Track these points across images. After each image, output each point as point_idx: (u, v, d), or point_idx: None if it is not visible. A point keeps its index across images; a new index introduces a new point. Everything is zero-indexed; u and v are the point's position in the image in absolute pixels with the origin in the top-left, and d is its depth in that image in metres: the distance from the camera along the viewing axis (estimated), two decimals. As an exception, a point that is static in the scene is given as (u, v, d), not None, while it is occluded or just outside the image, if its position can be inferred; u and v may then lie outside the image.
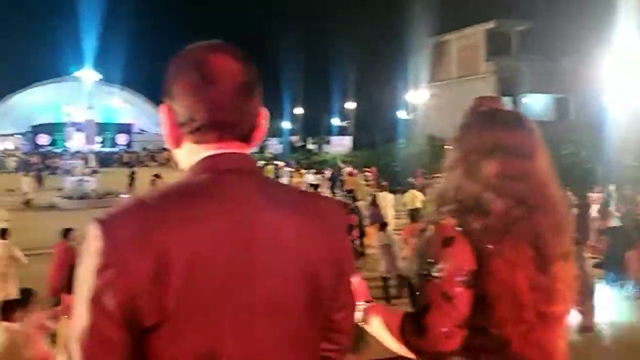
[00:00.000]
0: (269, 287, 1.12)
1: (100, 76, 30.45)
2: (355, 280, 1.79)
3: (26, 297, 6.39)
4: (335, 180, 28.27)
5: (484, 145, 1.70)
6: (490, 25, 34.71)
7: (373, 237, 12.15)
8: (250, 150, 1.27)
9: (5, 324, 5.62)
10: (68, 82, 48.98)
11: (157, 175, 25.49)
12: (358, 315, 1.78)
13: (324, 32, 56.48)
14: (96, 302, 1.01)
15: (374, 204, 15.97)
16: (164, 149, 57.86)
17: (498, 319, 1.61)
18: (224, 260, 1.08)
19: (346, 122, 50.35)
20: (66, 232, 9.34)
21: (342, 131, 50.62)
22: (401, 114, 42.22)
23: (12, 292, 8.55)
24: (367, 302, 1.84)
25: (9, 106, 56.33)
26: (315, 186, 27.54)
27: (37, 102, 56.28)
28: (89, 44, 36.14)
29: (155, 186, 24.67)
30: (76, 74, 29.45)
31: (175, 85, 1.20)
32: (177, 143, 1.24)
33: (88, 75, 28.88)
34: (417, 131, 36.50)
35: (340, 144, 44.83)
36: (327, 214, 1.26)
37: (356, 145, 42.85)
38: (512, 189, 1.64)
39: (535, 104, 33.61)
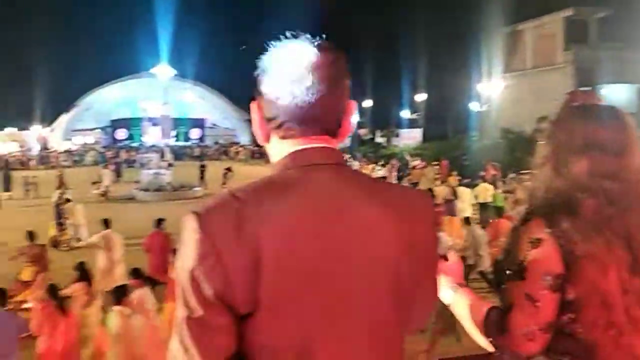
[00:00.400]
0: (358, 279, 1.14)
1: (175, 72, 31.36)
2: (452, 261, 1.84)
3: (139, 276, 7.08)
4: (402, 173, 27.99)
5: (575, 141, 1.66)
6: (568, 12, 33.24)
7: (448, 230, 12.02)
8: (339, 143, 1.27)
9: (118, 307, 5.99)
10: (145, 78, 50.79)
11: (228, 169, 26.33)
12: (448, 296, 1.80)
13: (394, 21, 55.84)
14: (195, 290, 1.07)
15: (450, 197, 15.80)
16: (234, 143, 59.33)
17: (586, 322, 1.56)
18: (313, 253, 1.10)
19: (416, 114, 49.65)
20: (159, 222, 10.00)
21: (411, 124, 49.91)
22: (473, 106, 41.14)
23: (120, 277, 9.24)
24: (459, 284, 1.83)
25: (89, 102, 59.09)
26: (382, 178, 27.44)
27: (115, 97, 58.83)
28: (165, 40, 37.43)
29: (227, 179, 25.36)
30: (152, 70, 30.45)
31: (262, 83, 1.23)
32: (267, 138, 1.28)
33: (164, 71, 29.83)
34: (490, 123, 35.51)
35: (410, 137, 44.17)
36: (415, 206, 1.27)
37: (426, 138, 42.18)
38: (604, 188, 1.60)
39: (616, 95, 31.92)
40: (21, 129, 56.58)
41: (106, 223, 10.20)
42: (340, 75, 1.23)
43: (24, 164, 45.29)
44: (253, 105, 1.28)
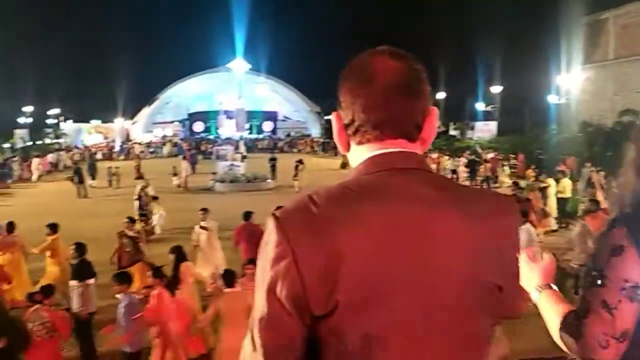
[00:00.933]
0: (434, 285, 1.12)
1: (250, 66, 31.98)
2: (546, 261, 1.82)
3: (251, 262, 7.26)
4: (473, 166, 27.46)
5: None
6: (654, -1, 31.47)
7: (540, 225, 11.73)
8: (420, 148, 1.27)
9: (229, 290, 6.48)
10: (221, 72, 52.24)
11: (300, 161, 26.46)
12: (535, 295, 1.78)
13: (468, 11, 54.52)
14: (271, 290, 1.10)
15: (542, 191, 15.67)
16: (305, 136, 59.93)
17: None
18: (390, 258, 1.10)
19: (491, 106, 48.36)
20: (248, 215, 10.23)
21: (486, 116, 48.69)
22: (552, 99, 39.69)
23: (221, 263, 10.02)
24: (546, 285, 1.80)
25: (169, 96, 61.42)
26: (453, 171, 27.03)
27: (193, 91, 60.78)
28: (240, 36, 38.26)
29: (299, 171, 25.65)
30: (229, 65, 31.20)
31: (340, 92, 1.26)
32: (346, 147, 1.29)
33: (239, 65, 30.50)
34: (569, 117, 34.19)
35: (485, 130, 43.10)
36: (498, 212, 1.23)
37: (501, 131, 41.03)
38: None
39: None
40: (105, 121, 59.58)
41: (205, 211, 10.85)
42: (416, 81, 1.23)
43: (107, 155, 47.75)
44: (333, 115, 1.30)
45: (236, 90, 32.17)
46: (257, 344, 1.11)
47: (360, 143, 1.25)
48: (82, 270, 8.15)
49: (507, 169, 28.23)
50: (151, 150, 51.84)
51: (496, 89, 46.14)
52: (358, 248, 1.07)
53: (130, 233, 10.36)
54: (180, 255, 8.28)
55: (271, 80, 59.93)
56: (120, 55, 57.80)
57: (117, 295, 6.80)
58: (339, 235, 1.08)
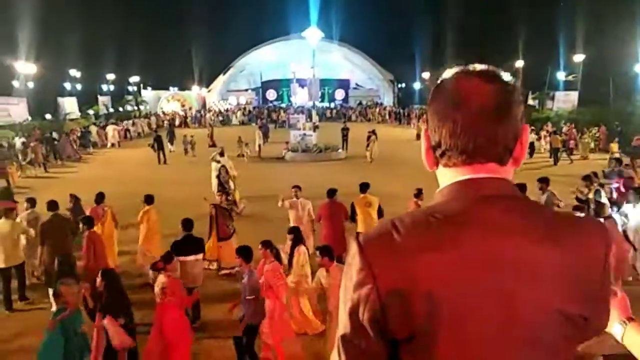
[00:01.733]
0: (515, 317, 1.11)
1: (323, 34, 31.87)
2: (617, 297, 1.70)
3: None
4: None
5: None
6: None
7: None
8: (511, 170, 1.25)
9: (334, 264, 6.76)
10: (294, 40, 52.28)
11: (372, 132, 26.16)
12: (617, 330, 1.66)
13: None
14: (354, 313, 1.15)
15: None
16: (377, 104, 59.40)
17: None
18: (470, 288, 1.10)
19: (572, 76, 46.16)
20: (332, 192, 10.19)
21: (567, 86, 46.55)
22: (638, 68, 37.42)
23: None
24: (629, 319, 1.68)
25: (243, 64, 62.28)
26: (531, 144, 26.36)
27: (267, 60, 61.19)
28: (314, 3, 38.02)
29: (371, 142, 25.47)
30: (303, 33, 31.25)
31: (429, 111, 1.27)
32: (432, 165, 1.30)
33: (312, 33, 30.42)
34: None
35: (566, 100, 41.33)
36: (587, 239, 1.18)
37: (583, 102, 39.20)
38: None
39: None
40: (182, 89, 61.37)
41: (298, 187, 10.83)
42: (508, 105, 1.19)
43: (183, 123, 49.28)
44: (423, 132, 1.30)
45: (309, 58, 32.08)
46: (342, 359, 1.18)
47: (446, 165, 1.25)
48: (187, 245, 8.35)
49: (589, 142, 27.30)
50: (221, 118, 52.83)
51: (578, 57, 43.89)
52: (438, 277, 1.09)
53: (224, 205, 10.51)
54: (297, 237, 8.23)
55: (344, 47, 59.43)
56: (196, 24, 59.22)
57: (237, 268, 7.03)
58: (420, 264, 1.10)
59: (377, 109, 56.60)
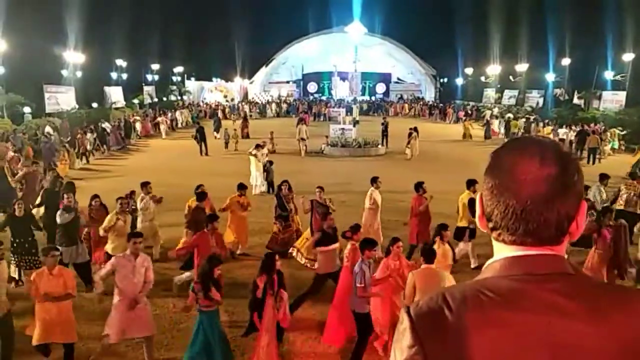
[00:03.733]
0: None
1: (365, 29, 31.78)
2: None
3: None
4: (583, 137, 26.57)
5: None
6: None
7: None
8: (565, 246, 1.24)
9: (425, 266, 6.89)
10: (336, 33, 52.27)
11: (414, 129, 25.78)
12: None
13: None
14: None
15: None
16: (418, 99, 58.91)
17: None
18: None
19: (620, 75, 44.80)
20: (418, 186, 10.64)
21: (615, 86, 45.25)
22: (692, 69, 36.08)
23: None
24: None
25: (285, 56, 62.67)
26: (562, 140, 25.94)
27: (308, 52, 61.51)
28: (357, -2, 37.92)
29: (412, 139, 25.17)
30: (346, 28, 31.24)
31: (484, 181, 1.26)
32: (487, 230, 1.29)
33: (355, 27, 30.38)
34: None
35: (612, 100, 40.24)
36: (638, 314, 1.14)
37: (630, 102, 38.04)
38: None
39: None
40: (225, 80, 62.10)
41: (374, 181, 11.30)
42: (565, 189, 1.18)
43: (224, 114, 49.73)
44: (478, 196, 1.30)
45: (351, 52, 31.97)
46: None
47: (496, 239, 1.25)
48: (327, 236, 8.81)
49: (614, 143, 27.47)
50: (258, 110, 52.95)
51: (628, 56, 42.61)
52: (486, 356, 1.10)
53: (321, 201, 10.87)
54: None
55: (386, 41, 59.13)
56: (240, 16, 59.78)
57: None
58: (469, 342, 1.10)
59: (418, 104, 56.19)
